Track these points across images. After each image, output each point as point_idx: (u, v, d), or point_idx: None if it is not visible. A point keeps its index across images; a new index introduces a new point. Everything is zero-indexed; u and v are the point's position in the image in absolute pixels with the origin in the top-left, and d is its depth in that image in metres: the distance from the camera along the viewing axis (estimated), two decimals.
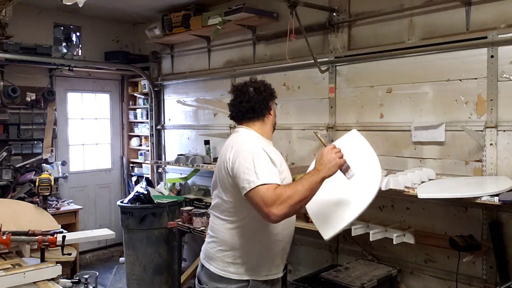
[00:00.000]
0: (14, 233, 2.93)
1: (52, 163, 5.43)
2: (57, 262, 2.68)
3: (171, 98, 5.89)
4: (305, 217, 3.83)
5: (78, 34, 5.90)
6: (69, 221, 5.04)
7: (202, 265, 2.32)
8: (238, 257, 2.22)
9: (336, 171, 2.09)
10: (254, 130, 2.32)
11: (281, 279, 2.40)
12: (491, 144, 3.08)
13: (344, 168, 2.16)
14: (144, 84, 6.14)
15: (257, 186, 1.98)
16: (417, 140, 3.48)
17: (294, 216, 2.30)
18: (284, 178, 2.22)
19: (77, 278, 3.21)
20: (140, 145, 6.41)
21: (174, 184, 5.50)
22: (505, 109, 3.05)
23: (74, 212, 5.18)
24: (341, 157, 2.10)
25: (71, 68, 5.52)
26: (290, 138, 4.42)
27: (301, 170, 3.71)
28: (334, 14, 3.95)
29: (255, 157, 2.07)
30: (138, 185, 4.91)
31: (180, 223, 4.32)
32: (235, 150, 2.15)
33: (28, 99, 5.30)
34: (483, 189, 2.77)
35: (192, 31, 4.99)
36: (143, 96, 6.28)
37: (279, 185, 2.01)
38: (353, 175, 2.18)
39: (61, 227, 3.59)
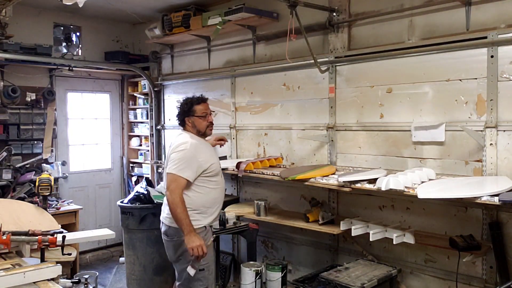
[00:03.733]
0: (14, 233, 2.93)
1: (52, 163, 5.43)
2: (57, 262, 2.67)
3: (171, 98, 5.88)
4: (306, 217, 3.83)
5: (78, 34, 5.89)
6: (69, 221, 5.04)
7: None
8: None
9: (191, 246, 3.02)
10: (187, 132, 3.35)
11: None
12: (491, 144, 3.09)
13: (194, 258, 3.04)
14: (144, 84, 6.14)
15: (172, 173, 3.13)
16: (417, 140, 3.48)
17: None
18: (212, 163, 3.27)
19: (77, 278, 3.20)
20: (140, 145, 6.41)
21: None
22: (505, 109, 3.05)
23: (74, 212, 5.18)
24: (202, 252, 3.03)
25: (71, 68, 5.51)
26: (290, 138, 4.42)
27: (301, 170, 3.71)
28: (334, 14, 3.95)
29: (181, 156, 3.15)
30: (138, 185, 4.90)
31: None
32: (176, 145, 3.25)
33: (28, 99, 5.30)
34: (483, 189, 2.77)
35: (192, 31, 4.99)
36: (143, 96, 6.28)
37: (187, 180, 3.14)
38: (192, 271, 3.06)
39: (61, 227, 3.58)
